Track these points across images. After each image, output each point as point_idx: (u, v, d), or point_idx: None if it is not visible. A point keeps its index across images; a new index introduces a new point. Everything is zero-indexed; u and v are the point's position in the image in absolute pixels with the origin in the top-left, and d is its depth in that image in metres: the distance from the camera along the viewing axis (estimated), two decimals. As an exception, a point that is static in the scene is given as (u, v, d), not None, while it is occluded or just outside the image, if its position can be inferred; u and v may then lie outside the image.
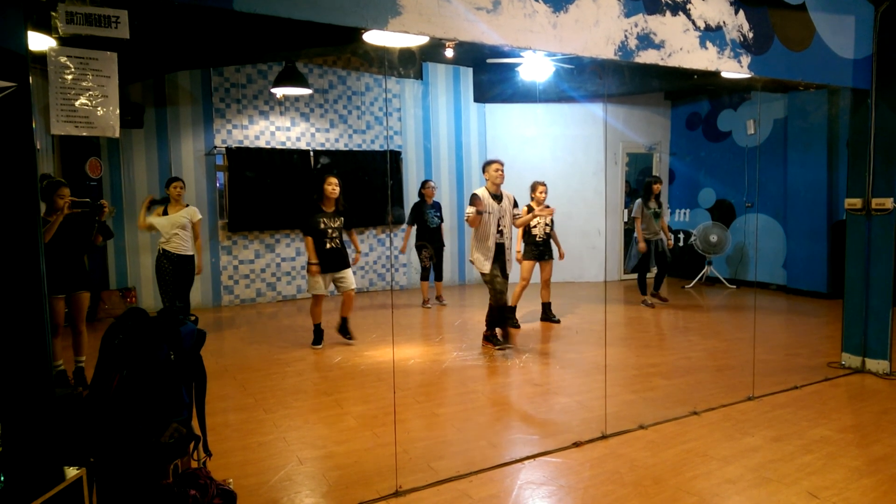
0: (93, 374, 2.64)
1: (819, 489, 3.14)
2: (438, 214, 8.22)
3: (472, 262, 6.00)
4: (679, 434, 3.88)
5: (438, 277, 8.41)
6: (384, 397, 4.62)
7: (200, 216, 6.46)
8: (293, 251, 9.09)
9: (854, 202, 5.18)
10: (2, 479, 2.07)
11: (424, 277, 8.37)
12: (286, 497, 3.13)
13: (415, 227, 8.21)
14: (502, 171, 5.93)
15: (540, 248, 7.04)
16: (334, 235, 5.99)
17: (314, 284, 5.99)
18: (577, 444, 3.71)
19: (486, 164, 5.99)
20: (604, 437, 3.83)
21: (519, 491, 3.18)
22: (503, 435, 3.95)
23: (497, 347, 5.90)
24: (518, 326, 6.93)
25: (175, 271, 6.24)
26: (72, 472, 2.16)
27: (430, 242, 8.15)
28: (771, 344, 6.15)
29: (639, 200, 8.11)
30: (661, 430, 3.95)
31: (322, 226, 5.94)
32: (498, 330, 6.03)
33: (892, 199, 4.97)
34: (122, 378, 2.54)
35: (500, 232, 5.90)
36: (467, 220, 5.82)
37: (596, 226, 10.04)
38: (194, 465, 2.78)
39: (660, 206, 8.19)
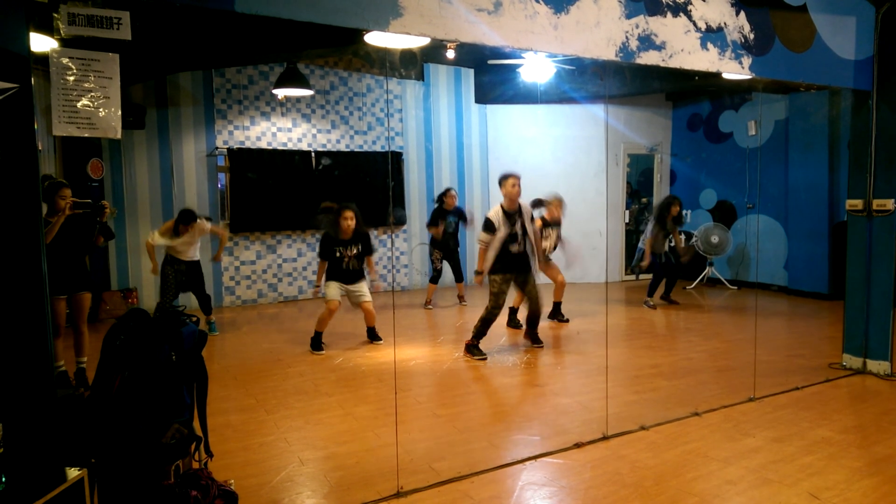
0: (94, 375, 2.65)
1: (820, 490, 3.13)
2: (455, 220, 8.32)
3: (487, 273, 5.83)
4: (680, 435, 3.88)
5: (459, 279, 8.50)
6: (385, 398, 4.62)
7: (208, 226, 6.60)
8: (294, 252, 9.10)
9: (855, 203, 5.17)
10: (3, 479, 2.07)
11: (434, 280, 8.39)
12: (287, 498, 3.13)
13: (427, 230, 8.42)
14: (519, 185, 5.70)
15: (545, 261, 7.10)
16: (349, 262, 6.11)
17: (328, 292, 6.07)
18: (578, 445, 3.71)
19: (502, 179, 5.75)
20: (605, 437, 3.82)
21: (520, 492, 3.18)
22: (504, 436, 3.95)
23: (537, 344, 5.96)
24: (520, 327, 6.94)
25: (184, 273, 6.48)
26: (73, 472, 2.17)
27: (445, 244, 8.24)
28: (772, 345, 6.15)
29: (651, 224, 8.19)
30: (662, 430, 3.95)
31: (337, 254, 6.06)
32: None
33: (893, 201, 4.96)
34: (123, 379, 2.55)
35: (518, 243, 5.74)
36: (480, 244, 5.80)
37: (597, 227, 10.04)
38: (196, 465, 2.79)
39: (676, 222, 8.27)
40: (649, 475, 3.32)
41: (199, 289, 6.62)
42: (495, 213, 5.75)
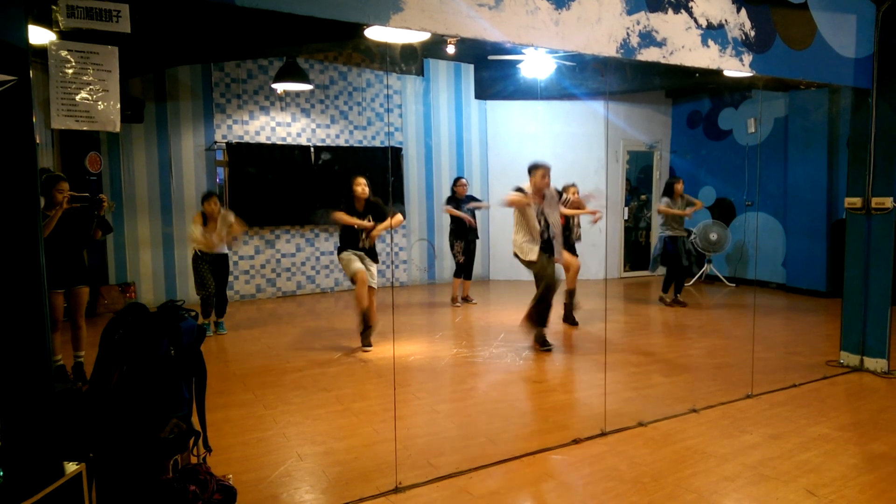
0: (92, 370, 2.64)
1: (817, 487, 3.14)
2: (471, 208, 8.15)
3: (515, 255, 5.84)
4: (678, 431, 3.88)
5: (467, 276, 8.27)
6: (384, 394, 4.62)
7: (233, 217, 6.61)
8: (293, 247, 9.09)
9: (854, 201, 5.17)
10: (1, 473, 2.07)
11: (457, 274, 8.23)
12: (286, 493, 3.13)
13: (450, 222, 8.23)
14: (549, 178, 5.70)
15: (567, 245, 6.96)
16: (364, 236, 5.97)
17: (350, 266, 5.86)
18: (576, 441, 3.72)
19: (532, 169, 5.74)
20: (603, 434, 3.83)
21: (518, 487, 3.18)
22: (503, 431, 3.96)
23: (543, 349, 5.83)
24: (575, 324, 6.94)
25: (212, 269, 6.51)
26: (71, 467, 2.16)
27: (464, 235, 8.06)
28: (770, 342, 6.16)
29: (665, 199, 8.07)
30: (660, 427, 3.96)
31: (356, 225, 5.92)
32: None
33: (891, 199, 4.96)
34: (121, 373, 2.54)
35: (547, 225, 5.73)
36: (508, 201, 5.66)
37: (597, 224, 10.03)
38: (194, 460, 2.79)
39: (686, 202, 8.09)
40: (647, 471, 3.32)
41: (220, 285, 6.61)
42: (527, 187, 5.73)
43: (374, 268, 6.04)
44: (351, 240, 5.98)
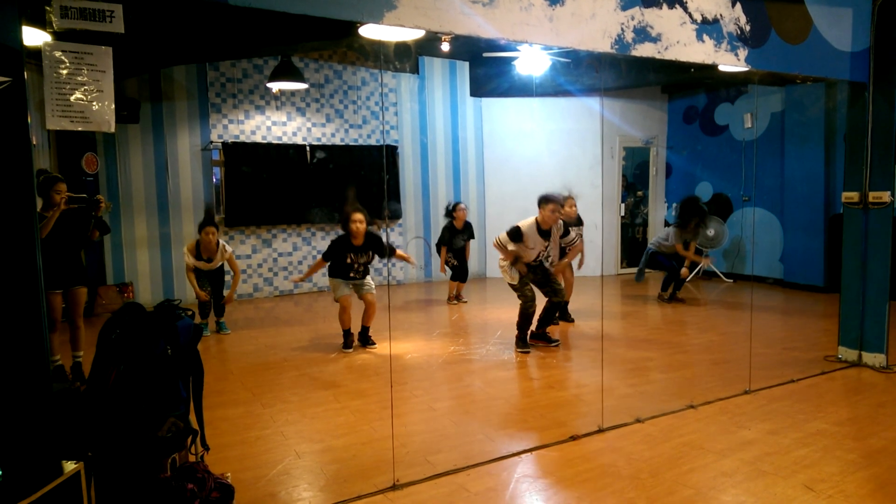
0: (90, 369, 2.65)
1: (815, 482, 3.15)
2: (465, 237, 8.14)
3: (501, 268, 5.81)
4: (676, 427, 3.89)
5: (463, 279, 8.28)
6: (381, 392, 4.63)
7: (230, 250, 6.59)
8: (290, 246, 9.09)
9: (851, 196, 5.18)
10: (0, 472, 2.07)
11: (454, 278, 8.26)
12: (284, 491, 3.14)
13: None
14: (559, 213, 5.63)
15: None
16: (360, 269, 5.91)
17: (337, 290, 5.89)
18: (574, 438, 3.72)
19: (543, 201, 5.58)
20: (601, 430, 3.84)
21: (516, 484, 3.19)
22: (500, 429, 3.96)
23: (553, 344, 5.90)
24: (572, 320, 6.97)
25: (209, 279, 6.55)
26: (70, 466, 2.17)
27: (453, 242, 8.07)
28: (767, 338, 6.17)
29: (677, 232, 8.05)
30: (657, 423, 3.96)
31: (349, 260, 5.82)
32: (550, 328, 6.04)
33: (888, 193, 4.97)
34: (119, 373, 2.54)
35: (541, 260, 5.79)
36: (506, 263, 5.68)
37: (593, 220, 10.03)
38: (192, 458, 2.79)
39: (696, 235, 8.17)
40: (645, 468, 3.33)
41: (217, 290, 6.64)
42: (529, 226, 5.64)
43: (368, 278, 6.04)
44: (342, 271, 5.88)
